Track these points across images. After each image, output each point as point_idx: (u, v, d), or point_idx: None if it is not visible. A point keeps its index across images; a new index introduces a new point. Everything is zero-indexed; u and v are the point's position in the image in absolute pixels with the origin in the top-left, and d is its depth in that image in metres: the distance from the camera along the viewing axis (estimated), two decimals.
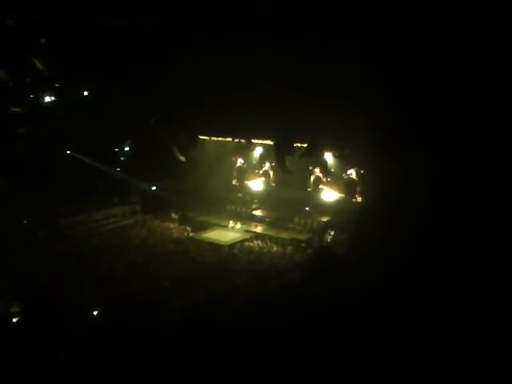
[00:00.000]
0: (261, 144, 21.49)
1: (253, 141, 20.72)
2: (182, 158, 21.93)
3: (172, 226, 21.50)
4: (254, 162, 22.91)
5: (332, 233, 18.43)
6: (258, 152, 22.38)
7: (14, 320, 11.32)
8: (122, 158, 22.94)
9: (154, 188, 23.08)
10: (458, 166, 8.41)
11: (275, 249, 18.21)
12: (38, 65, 18.32)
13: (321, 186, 20.66)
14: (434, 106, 9.10)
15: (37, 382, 8.03)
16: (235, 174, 23.54)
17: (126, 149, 23.03)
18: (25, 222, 18.39)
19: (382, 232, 8.58)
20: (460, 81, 9.25)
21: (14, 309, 11.64)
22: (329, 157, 19.53)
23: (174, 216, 22.35)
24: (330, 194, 20.23)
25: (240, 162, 23.26)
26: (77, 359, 8.98)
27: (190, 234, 20.15)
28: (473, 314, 7.19)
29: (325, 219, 19.70)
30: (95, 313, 11.65)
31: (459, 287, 7.59)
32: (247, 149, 21.75)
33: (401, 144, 9.22)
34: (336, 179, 20.06)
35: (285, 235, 19.15)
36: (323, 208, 20.07)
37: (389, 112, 9.60)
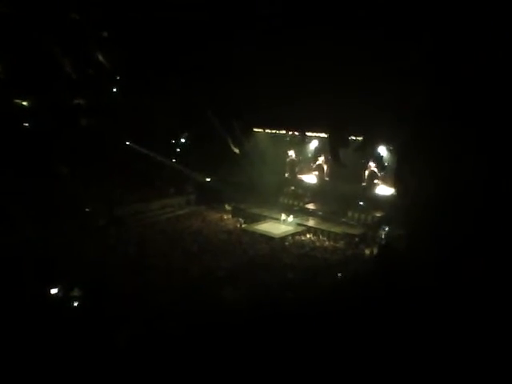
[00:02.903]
0: (316, 137, 21.40)
1: (306, 134, 20.64)
2: (237, 150, 22.22)
3: (225, 217, 21.89)
4: (309, 156, 22.87)
5: (386, 228, 18.03)
6: (312, 145, 22.32)
7: (75, 304, 11.85)
8: (177, 150, 23.48)
9: (208, 179, 23.47)
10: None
11: (327, 243, 18.09)
12: (100, 58, 18.95)
13: (375, 181, 20.36)
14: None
15: (96, 365, 8.34)
16: (287, 167, 23.57)
17: (182, 140, 23.58)
18: (86, 209, 19.09)
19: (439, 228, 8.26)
20: None
21: (75, 293, 12.17)
22: (383, 150, 19.19)
23: (227, 207, 22.70)
24: (384, 189, 19.88)
25: (291, 155, 23.26)
26: (135, 344, 9.27)
27: (243, 226, 20.39)
28: None
29: (379, 214, 19.37)
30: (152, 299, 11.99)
31: None
32: (301, 142, 21.72)
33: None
34: (391, 173, 19.64)
35: (337, 229, 18.95)
36: (377, 203, 19.73)
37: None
